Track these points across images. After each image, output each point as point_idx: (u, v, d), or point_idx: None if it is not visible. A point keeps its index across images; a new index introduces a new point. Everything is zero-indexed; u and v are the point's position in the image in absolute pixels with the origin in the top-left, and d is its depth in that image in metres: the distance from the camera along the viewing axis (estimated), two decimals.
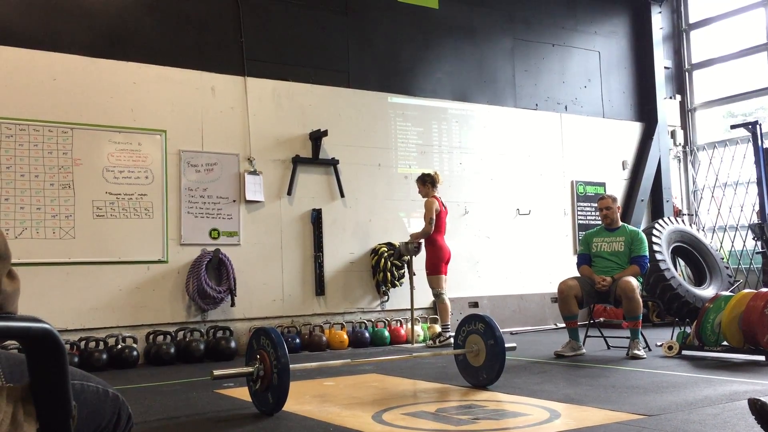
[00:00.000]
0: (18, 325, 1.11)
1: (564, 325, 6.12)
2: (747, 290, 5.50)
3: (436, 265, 6.98)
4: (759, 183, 8.32)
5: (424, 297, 7.84)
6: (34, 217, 6.13)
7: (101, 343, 6.09)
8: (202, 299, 6.60)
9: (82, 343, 6.04)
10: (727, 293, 5.78)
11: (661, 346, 5.78)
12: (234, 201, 7.03)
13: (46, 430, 1.18)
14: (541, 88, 9.31)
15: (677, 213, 10.05)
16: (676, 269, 8.43)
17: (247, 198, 7.06)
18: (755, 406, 2.52)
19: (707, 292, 8.03)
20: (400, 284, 7.65)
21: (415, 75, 8.35)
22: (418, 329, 7.41)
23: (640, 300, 5.62)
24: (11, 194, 6.07)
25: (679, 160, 10.56)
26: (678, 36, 10.67)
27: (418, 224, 8.00)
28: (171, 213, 6.72)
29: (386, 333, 7.36)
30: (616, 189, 9.58)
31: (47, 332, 1.11)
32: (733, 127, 8.85)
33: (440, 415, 3.52)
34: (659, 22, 10.22)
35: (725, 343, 5.28)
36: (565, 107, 9.48)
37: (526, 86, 9.18)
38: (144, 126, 6.68)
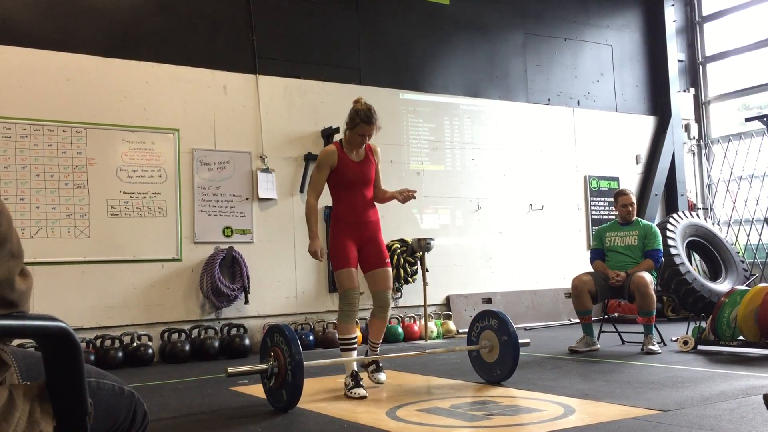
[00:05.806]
0: (34, 324, 1.12)
1: (578, 320, 6.09)
2: (763, 284, 5.45)
3: None
4: None
5: (438, 293, 7.84)
6: (50, 216, 6.18)
7: (117, 341, 6.13)
8: (216, 297, 6.63)
9: (98, 342, 6.09)
10: (743, 287, 5.74)
11: (676, 341, 5.75)
12: (247, 199, 7.06)
13: (63, 427, 1.19)
14: (554, 82, 9.27)
15: (692, 207, 9.98)
16: (691, 264, 8.36)
17: (260, 196, 7.08)
18: None
19: (722, 286, 7.96)
20: (413, 280, 7.64)
21: (427, 71, 8.33)
22: (432, 325, 7.41)
23: (654, 295, 5.59)
24: (26, 194, 6.12)
25: (694, 154, 10.48)
26: (691, 28, 10.58)
27: (430, 220, 8.00)
28: (184, 211, 6.76)
29: (400, 329, 7.36)
30: (630, 183, 9.53)
31: (63, 330, 1.13)
32: (747, 119, 8.75)
33: (454, 411, 3.52)
34: (672, 14, 10.14)
35: (741, 337, 5.24)
36: (578, 102, 9.43)
37: (538, 81, 9.14)
38: (157, 125, 6.72)
